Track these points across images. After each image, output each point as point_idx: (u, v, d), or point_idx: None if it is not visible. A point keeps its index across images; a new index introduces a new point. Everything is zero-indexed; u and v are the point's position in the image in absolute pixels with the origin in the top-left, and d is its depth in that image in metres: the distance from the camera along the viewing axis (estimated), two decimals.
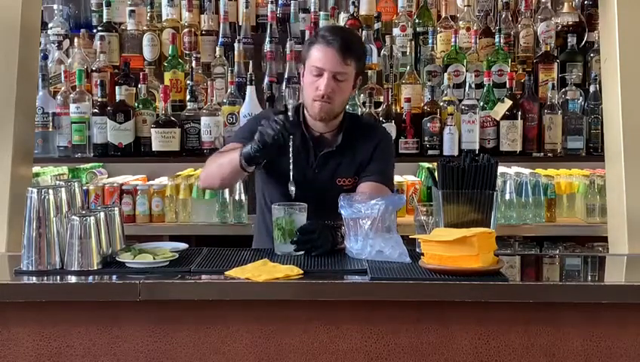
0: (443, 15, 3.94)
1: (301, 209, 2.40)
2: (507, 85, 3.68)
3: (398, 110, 3.72)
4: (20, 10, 2.84)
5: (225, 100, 3.66)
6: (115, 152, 3.62)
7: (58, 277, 2.15)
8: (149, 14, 3.90)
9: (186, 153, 3.64)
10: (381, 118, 3.59)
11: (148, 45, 3.84)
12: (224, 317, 2.11)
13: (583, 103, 3.71)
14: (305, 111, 2.67)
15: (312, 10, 3.81)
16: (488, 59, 3.78)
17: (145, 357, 2.11)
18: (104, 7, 3.85)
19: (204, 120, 3.59)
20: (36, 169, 3.75)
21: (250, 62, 3.73)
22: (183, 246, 2.41)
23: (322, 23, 3.73)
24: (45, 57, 3.73)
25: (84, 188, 3.61)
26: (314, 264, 2.26)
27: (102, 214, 2.23)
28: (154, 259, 2.20)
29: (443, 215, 2.27)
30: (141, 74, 3.66)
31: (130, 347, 2.11)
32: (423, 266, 2.16)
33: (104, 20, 3.86)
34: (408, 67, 3.75)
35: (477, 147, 3.61)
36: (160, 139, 3.58)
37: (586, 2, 3.93)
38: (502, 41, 3.77)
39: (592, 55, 3.78)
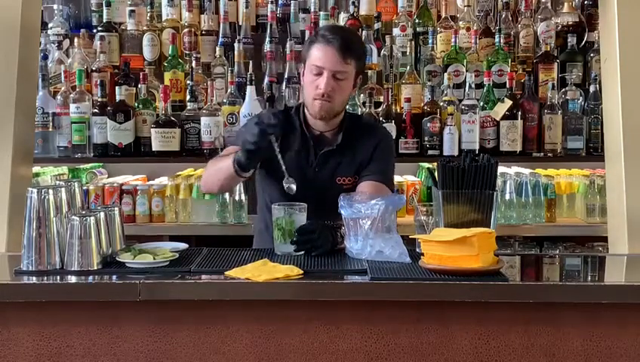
0: (443, 15, 3.94)
1: (301, 209, 2.40)
2: (507, 85, 3.68)
3: (398, 110, 3.72)
4: (20, 10, 2.84)
5: (225, 100, 3.66)
6: (115, 152, 3.62)
7: (58, 277, 2.15)
8: (149, 14, 3.90)
9: (186, 153, 3.64)
10: (381, 118, 3.60)
11: (148, 45, 3.85)
12: (224, 317, 2.11)
13: (583, 103, 3.71)
14: (305, 111, 2.67)
15: (312, 10, 3.81)
16: (488, 59, 3.78)
17: (145, 357, 2.11)
18: (104, 7, 3.85)
19: (204, 120, 3.59)
20: (36, 169, 3.75)
21: (250, 62, 3.73)
22: (183, 246, 2.41)
23: (322, 23, 3.73)
24: (45, 57, 3.73)
25: (84, 188, 3.61)
26: (314, 264, 2.26)
27: (102, 214, 2.23)
28: (154, 259, 2.20)
29: (443, 215, 2.27)
30: (141, 74, 3.66)
31: (130, 347, 2.11)
32: (423, 266, 2.16)
33: (104, 20, 3.87)
34: (408, 67, 3.75)
35: (477, 147, 3.61)
36: (160, 139, 3.58)
37: (586, 2, 3.93)
38: (502, 41, 3.78)
39: (592, 55, 3.78)
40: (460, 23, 3.93)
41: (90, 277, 2.13)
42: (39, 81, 3.52)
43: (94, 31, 3.91)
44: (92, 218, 2.17)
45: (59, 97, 3.69)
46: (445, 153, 3.60)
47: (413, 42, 3.82)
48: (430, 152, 3.64)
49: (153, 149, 3.60)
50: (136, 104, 3.66)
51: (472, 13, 3.93)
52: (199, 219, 3.68)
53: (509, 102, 3.61)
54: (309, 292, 2.09)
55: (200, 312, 2.11)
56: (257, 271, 2.12)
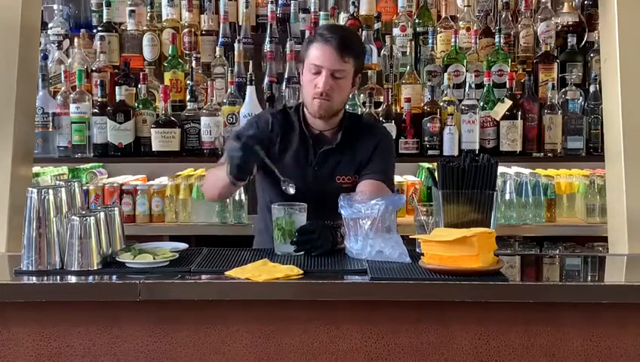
0: (443, 15, 3.94)
1: (301, 209, 2.40)
2: (507, 85, 3.68)
3: (398, 110, 3.72)
4: (20, 10, 2.84)
5: (225, 100, 3.66)
6: (115, 152, 3.62)
7: (58, 277, 2.15)
8: (149, 14, 3.90)
9: (186, 153, 3.64)
10: (381, 118, 3.60)
11: (148, 45, 3.85)
12: (224, 317, 2.11)
13: (583, 103, 3.71)
14: (305, 110, 2.68)
15: (312, 10, 3.81)
16: (488, 59, 3.78)
17: (145, 357, 2.11)
18: (104, 7, 3.85)
19: (204, 120, 3.59)
20: (36, 169, 3.75)
21: (250, 62, 3.73)
22: (183, 246, 2.41)
23: (322, 23, 3.73)
24: (45, 57, 3.73)
25: (84, 188, 3.61)
26: (314, 264, 2.26)
27: (102, 214, 2.23)
28: (154, 259, 2.20)
29: (443, 215, 2.27)
30: (141, 74, 3.66)
31: (130, 347, 2.11)
32: (423, 266, 2.16)
33: (104, 20, 3.86)
34: (408, 67, 3.75)
35: (477, 147, 3.61)
36: (160, 139, 3.58)
37: (586, 2, 3.93)
38: (502, 41, 3.78)
39: (592, 55, 3.78)
40: (460, 22, 3.93)
41: (90, 277, 2.13)
42: (39, 81, 3.52)
43: (94, 31, 3.91)
44: (92, 218, 2.17)
45: (59, 97, 3.69)
46: (445, 153, 3.60)
47: (413, 42, 3.82)
48: (430, 152, 3.64)
49: (153, 149, 3.60)
50: (136, 104, 3.66)
51: (472, 13, 3.93)
52: (199, 219, 3.68)
53: (509, 102, 3.61)
54: (309, 292, 2.09)
55: (200, 312, 2.11)
56: (257, 271, 2.12)
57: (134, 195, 3.69)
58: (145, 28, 3.87)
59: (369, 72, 3.72)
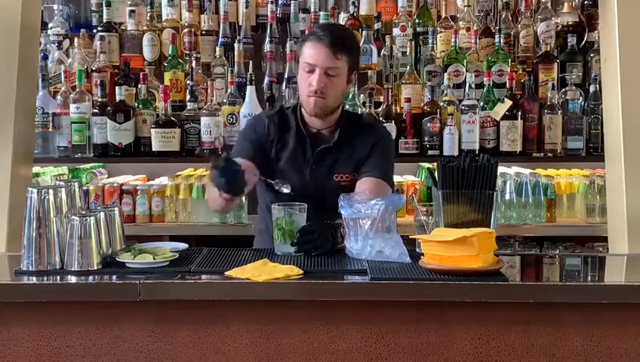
0: (443, 15, 3.94)
1: (301, 209, 2.40)
2: (507, 85, 3.68)
3: (398, 110, 3.72)
4: (20, 10, 2.84)
5: (225, 100, 3.66)
6: (115, 152, 3.62)
7: (58, 277, 2.15)
8: (149, 14, 3.90)
9: (186, 153, 3.64)
10: (381, 118, 3.59)
11: (148, 45, 3.85)
12: (224, 317, 2.11)
13: (583, 103, 3.71)
14: (302, 109, 2.69)
15: (312, 10, 3.81)
16: (488, 59, 3.78)
17: (145, 357, 2.11)
18: (104, 7, 3.85)
19: (204, 120, 3.59)
20: (36, 169, 3.75)
21: (250, 62, 3.73)
22: (183, 246, 2.41)
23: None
24: (45, 57, 3.73)
25: (84, 188, 3.61)
26: (314, 264, 2.26)
27: (102, 214, 2.23)
28: (154, 259, 2.20)
29: (443, 215, 2.27)
30: (141, 74, 3.66)
31: (130, 347, 2.11)
32: (423, 266, 2.16)
33: (104, 20, 3.86)
34: (408, 67, 3.75)
35: (477, 147, 3.61)
36: (160, 139, 3.58)
37: (586, 2, 3.93)
38: (502, 41, 3.77)
39: (592, 55, 3.78)
40: (460, 22, 3.93)
41: (90, 277, 2.13)
42: (39, 81, 3.52)
43: (94, 31, 3.91)
44: (92, 218, 2.17)
45: (59, 97, 3.69)
46: (445, 153, 3.60)
47: (413, 42, 3.82)
48: (430, 152, 3.64)
49: (153, 149, 3.60)
50: (136, 104, 3.66)
51: (472, 13, 3.93)
52: (199, 219, 3.68)
53: (509, 102, 3.61)
54: (309, 292, 2.09)
55: (200, 312, 2.11)
56: (257, 271, 2.12)
57: (134, 195, 3.69)
58: (145, 28, 3.87)
59: (369, 72, 3.72)
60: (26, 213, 2.20)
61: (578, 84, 3.76)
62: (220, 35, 3.84)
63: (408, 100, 3.65)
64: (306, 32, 3.70)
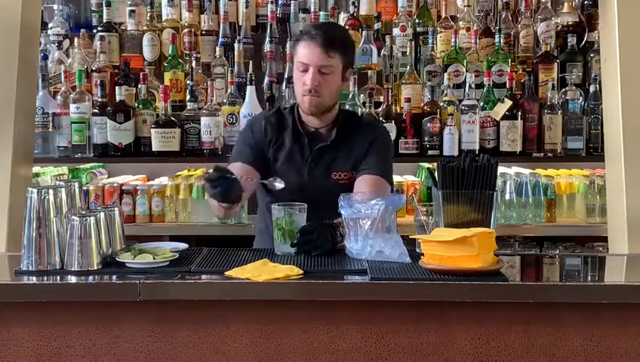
0: (443, 15, 3.94)
1: (301, 209, 2.40)
2: (507, 85, 3.68)
3: (398, 110, 3.72)
4: (20, 10, 2.84)
5: (225, 100, 3.66)
6: (115, 152, 3.63)
7: (58, 277, 2.15)
8: (149, 14, 3.90)
9: (186, 153, 3.64)
10: (381, 118, 3.60)
11: (148, 45, 3.85)
12: (224, 317, 2.11)
13: (583, 103, 3.71)
14: (299, 108, 2.70)
15: (312, 10, 3.81)
16: (488, 59, 3.78)
17: (145, 357, 2.11)
18: (104, 7, 3.85)
19: (204, 120, 3.59)
20: (36, 169, 3.75)
21: (250, 62, 3.74)
22: (183, 246, 2.41)
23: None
24: (45, 57, 3.73)
25: (84, 188, 3.61)
26: (314, 264, 2.26)
27: (102, 214, 2.23)
28: (154, 259, 2.20)
29: (443, 215, 2.27)
30: (141, 74, 3.66)
31: (130, 347, 2.11)
32: (423, 266, 2.16)
33: (104, 20, 3.86)
34: (408, 67, 3.75)
35: (477, 147, 3.61)
36: (160, 139, 3.59)
37: (586, 2, 3.93)
38: (502, 41, 3.78)
39: (592, 55, 3.78)
40: (460, 22, 3.93)
41: (90, 277, 2.13)
42: (39, 81, 3.52)
43: (94, 31, 3.91)
44: (92, 218, 2.17)
45: (59, 97, 3.69)
46: (445, 153, 3.60)
47: (413, 42, 3.82)
48: (430, 152, 3.64)
49: (153, 149, 3.60)
50: (136, 104, 3.66)
51: (472, 13, 3.93)
52: (199, 219, 3.68)
53: (509, 103, 3.61)
54: (309, 292, 2.09)
55: (200, 312, 2.11)
56: (257, 271, 2.12)
57: (134, 195, 3.69)
58: (145, 28, 3.87)
59: (369, 72, 3.72)
60: (26, 213, 2.19)
61: (578, 84, 3.76)
62: (220, 35, 3.84)
63: (408, 100, 3.65)
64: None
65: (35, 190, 2.20)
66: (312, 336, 2.10)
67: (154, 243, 2.42)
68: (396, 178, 3.75)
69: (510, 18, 3.87)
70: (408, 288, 2.07)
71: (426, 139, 3.64)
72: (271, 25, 3.80)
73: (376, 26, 3.83)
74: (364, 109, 3.62)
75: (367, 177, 2.62)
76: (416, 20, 3.88)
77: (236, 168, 2.57)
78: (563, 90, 3.76)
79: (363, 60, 3.72)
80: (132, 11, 3.85)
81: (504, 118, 3.62)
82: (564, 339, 2.09)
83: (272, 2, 3.82)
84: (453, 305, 2.08)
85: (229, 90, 3.68)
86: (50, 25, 3.94)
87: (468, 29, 3.88)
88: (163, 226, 3.67)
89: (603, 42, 3.00)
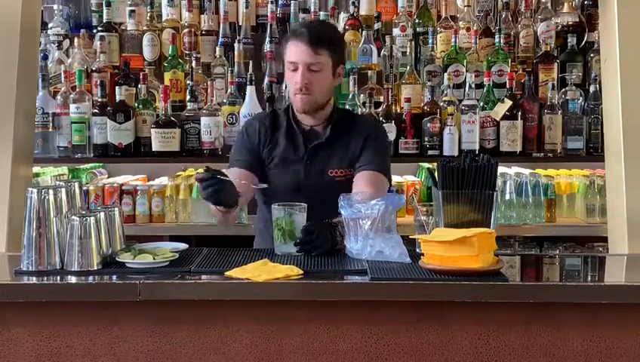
0: (443, 15, 3.94)
1: (301, 209, 2.40)
2: (507, 85, 3.68)
3: (398, 110, 3.72)
4: (20, 10, 2.84)
5: (225, 100, 3.66)
6: (115, 152, 3.63)
7: (58, 277, 2.15)
8: (149, 14, 3.90)
9: (186, 153, 3.64)
10: (381, 118, 3.60)
11: (148, 45, 3.85)
12: (224, 317, 2.11)
13: (583, 103, 3.71)
14: (293, 107, 2.71)
15: (312, 10, 3.81)
16: (488, 59, 3.78)
17: (145, 357, 2.11)
18: (104, 7, 3.85)
19: (204, 120, 3.59)
20: (36, 169, 3.75)
21: (250, 62, 3.74)
22: (183, 246, 2.41)
23: None
24: (45, 57, 3.73)
25: (84, 188, 3.61)
26: (314, 264, 2.26)
27: (102, 214, 2.23)
28: (154, 259, 2.20)
29: (443, 215, 2.27)
30: (141, 74, 3.66)
31: (130, 347, 2.11)
32: (423, 266, 2.16)
33: (104, 20, 3.86)
34: (408, 67, 3.75)
35: (477, 147, 3.61)
36: (160, 140, 3.58)
37: (586, 2, 3.93)
38: (502, 41, 3.78)
39: (592, 55, 3.78)
40: (460, 23, 3.93)
41: (90, 278, 2.13)
42: (39, 81, 3.52)
43: (94, 31, 3.91)
44: (92, 218, 2.17)
45: (59, 97, 3.69)
46: (445, 153, 3.60)
47: (413, 42, 3.82)
48: (430, 152, 3.64)
49: (153, 149, 3.60)
50: (136, 104, 3.66)
51: (472, 13, 3.93)
52: (199, 219, 3.68)
53: (509, 103, 3.61)
54: (309, 293, 2.09)
55: (200, 312, 2.11)
56: (257, 271, 2.12)
57: (134, 195, 3.69)
58: (145, 28, 3.87)
59: (369, 72, 3.72)
60: (26, 213, 2.19)
61: (578, 84, 3.76)
62: (220, 35, 3.84)
63: (408, 100, 3.65)
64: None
65: (35, 190, 2.20)
66: (312, 336, 2.10)
67: (154, 244, 2.42)
68: (396, 178, 3.75)
69: (510, 18, 3.87)
70: (408, 288, 2.07)
71: (426, 139, 3.64)
72: (271, 25, 3.80)
73: (376, 26, 3.84)
74: (364, 109, 3.62)
75: (364, 173, 2.63)
76: (416, 20, 3.88)
77: (233, 173, 2.58)
78: (563, 90, 3.76)
79: (363, 60, 3.72)
80: (132, 11, 3.85)
81: (504, 118, 3.62)
82: (564, 339, 2.09)
83: (272, 2, 3.82)
84: (453, 305, 2.08)
85: (229, 90, 3.68)
86: (50, 25, 3.95)
87: (468, 29, 3.88)
88: (163, 226, 3.67)
89: (603, 42, 3.00)
